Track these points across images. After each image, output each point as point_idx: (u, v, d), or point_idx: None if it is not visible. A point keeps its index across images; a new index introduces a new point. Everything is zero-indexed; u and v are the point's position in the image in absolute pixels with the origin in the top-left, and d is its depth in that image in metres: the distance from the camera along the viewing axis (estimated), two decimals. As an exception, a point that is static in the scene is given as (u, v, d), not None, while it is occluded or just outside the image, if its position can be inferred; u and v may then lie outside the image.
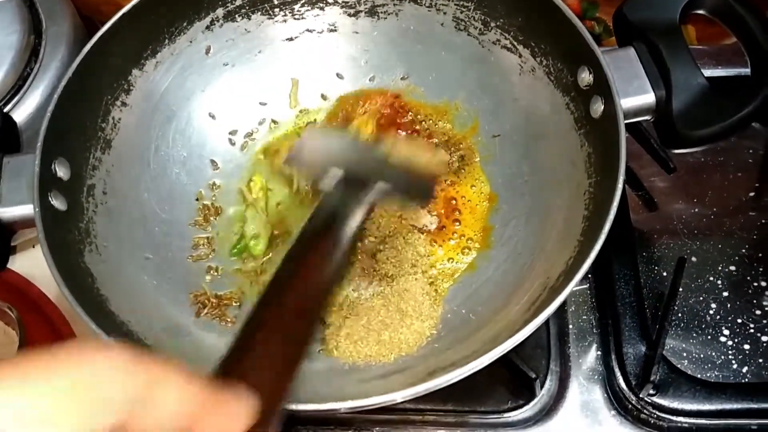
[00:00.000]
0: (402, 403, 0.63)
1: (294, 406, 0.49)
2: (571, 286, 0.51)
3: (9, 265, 0.81)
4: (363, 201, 0.51)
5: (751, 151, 0.78)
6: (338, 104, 0.77)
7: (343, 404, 0.49)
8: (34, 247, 0.85)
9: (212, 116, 0.75)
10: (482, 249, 0.68)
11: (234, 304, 0.67)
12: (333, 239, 0.48)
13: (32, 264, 0.83)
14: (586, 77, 0.62)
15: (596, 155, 0.61)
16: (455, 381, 0.51)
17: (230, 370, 0.35)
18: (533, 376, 0.63)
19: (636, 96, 0.60)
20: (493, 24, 0.71)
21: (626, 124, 0.60)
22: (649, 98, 0.60)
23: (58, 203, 0.60)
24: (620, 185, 0.54)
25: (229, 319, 0.66)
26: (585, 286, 0.72)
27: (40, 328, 0.80)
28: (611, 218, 0.53)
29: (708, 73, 0.60)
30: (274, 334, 0.40)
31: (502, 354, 0.50)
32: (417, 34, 0.75)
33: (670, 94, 0.59)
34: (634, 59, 0.61)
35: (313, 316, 0.44)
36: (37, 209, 0.57)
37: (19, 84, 0.79)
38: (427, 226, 0.69)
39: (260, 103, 0.78)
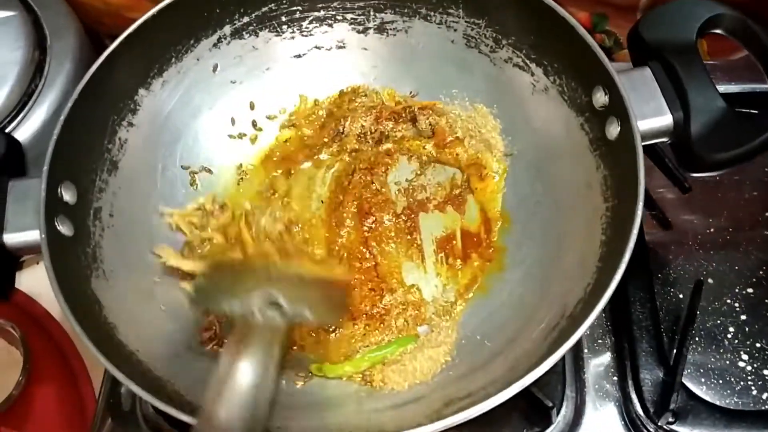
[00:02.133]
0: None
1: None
2: (593, 316, 0.50)
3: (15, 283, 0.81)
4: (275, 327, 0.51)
5: (766, 169, 0.77)
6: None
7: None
8: (38, 264, 0.84)
9: (220, 134, 0.75)
10: (495, 271, 0.67)
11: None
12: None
13: (37, 282, 0.83)
14: (601, 98, 0.61)
15: (613, 178, 0.60)
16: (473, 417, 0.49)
17: None
18: (550, 404, 0.61)
19: (653, 118, 0.58)
20: (504, 42, 0.70)
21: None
22: (666, 120, 0.58)
23: (64, 228, 0.59)
24: (639, 211, 0.53)
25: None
26: (599, 308, 0.71)
27: (45, 348, 0.80)
28: (631, 246, 0.52)
29: (721, 89, 0.59)
30: None
31: (522, 388, 0.49)
32: (426, 51, 0.74)
33: (688, 116, 0.57)
34: (650, 80, 0.60)
35: None
36: (43, 236, 0.56)
37: (24, 100, 0.79)
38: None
39: (267, 118, 0.77)
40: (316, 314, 0.54)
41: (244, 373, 0.47)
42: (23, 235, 0.58)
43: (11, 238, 0.58)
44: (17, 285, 0.81)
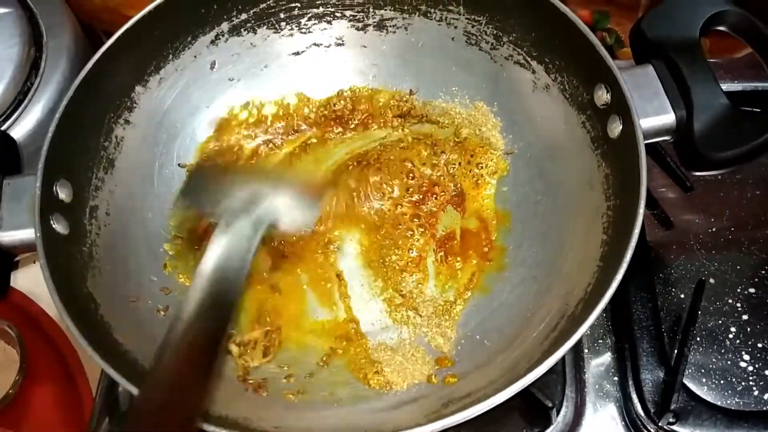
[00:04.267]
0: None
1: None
2: (594, 316, 0.49)
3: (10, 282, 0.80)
4: (253, 231, 0.56)
5: (769, 167, 0.76)
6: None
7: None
8: (35, 263, 0.83)
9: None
10: (495, 270, 0.66)
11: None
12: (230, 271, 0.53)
13: (33, 281, 0.82)
14: (603, 95, 0.60)
15: (614, 177, 0.59)
16: (472, 417, 0.49)
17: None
18: (550, 404, 0.61)
19: (656, 116, 0.58)
20: (505, 39, 0.69)
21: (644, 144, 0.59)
22: (669, 118, 0.58)
23: (60, 227, 0.58)
24: (641, 210, 0.52)
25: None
26: (600, 307, 0.70)
27: (42, 347, 0.79)
28: (633, 245, 0.51)
29: (723, 87, 0.58)
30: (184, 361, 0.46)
31: (521, 389, 0.48)
32: (426, 49, 0.73)
33: (691, 114, 0.57)
34: (653, 77, 0.59)
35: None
36: (38, 234, 0.55)
37: (20, 99, 0.78)
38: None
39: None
40: (290, 216, 0.59)
41: (218, 248, 0.53)
42: (18, 234, 0.57)
43: (6, 237, 0.58)
44: (14, 284, 0.81)
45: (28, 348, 0.77)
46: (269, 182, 0.62)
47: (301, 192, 0.62)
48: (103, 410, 0.68)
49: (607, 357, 0.67)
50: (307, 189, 0.63)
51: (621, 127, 0.58)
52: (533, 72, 0.68)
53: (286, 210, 0.58)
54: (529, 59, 0.68)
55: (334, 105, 0.75)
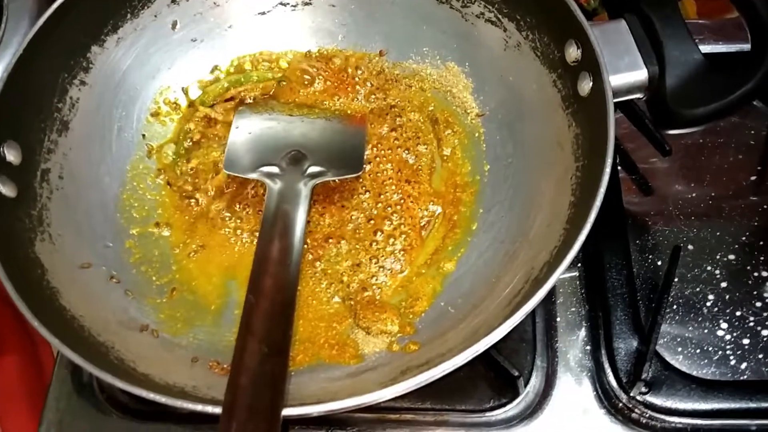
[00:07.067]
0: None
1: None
2: (554, 278, 0.47)
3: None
4: (303, 192, 0.60)
5: (752, 132, 0.73)
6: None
7: (305, 409, 0.46)
8: None
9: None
10: (463, 236, 0.64)
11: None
12: (287, 236, 0.56)
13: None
14: (573, 52, 0.57)
15: (584, 137, 0.56)
16: (431, 381, 0.47)
17: None
18: (516, 374, 0.59)
19: (627, 72, 0.55)
20: (476, -4, 0.66)
21: (618, 103, 0.56)
22: (640, 75, 0.55)
23: (6, 190, 0.56)
24: (607, 170, 0.50)
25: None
26: (574, 274, 0.68)
27: (4, 316, 0.77)
28: (597, 206, 0.49)
29: (708, 49, 0.56)
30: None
31: (477, 354, 0.46)
32: (396, 7, 0.71)
33: (663, 71, 0.54)
34: (626, 33, 0.56)
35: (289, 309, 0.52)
36: (-20, 197, 0.53)
37: (-22, 62, 0.75)
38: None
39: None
40: (336, 167, 0.62)
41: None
42: (-39, 196, 0.55)
43: (-52, 199, 0.55)
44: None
45: (-7, 319, 0.75)
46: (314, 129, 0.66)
47: (346, 136, 0.66)
48: (63, 380, 0.66)
49: (580, 326, 0.65)
50: (351, 128, 0.67)
51: (591, 85, 0.56)
52: (504, 30, 0.65)
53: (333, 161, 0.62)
54: (500, 17, 0.65)
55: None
